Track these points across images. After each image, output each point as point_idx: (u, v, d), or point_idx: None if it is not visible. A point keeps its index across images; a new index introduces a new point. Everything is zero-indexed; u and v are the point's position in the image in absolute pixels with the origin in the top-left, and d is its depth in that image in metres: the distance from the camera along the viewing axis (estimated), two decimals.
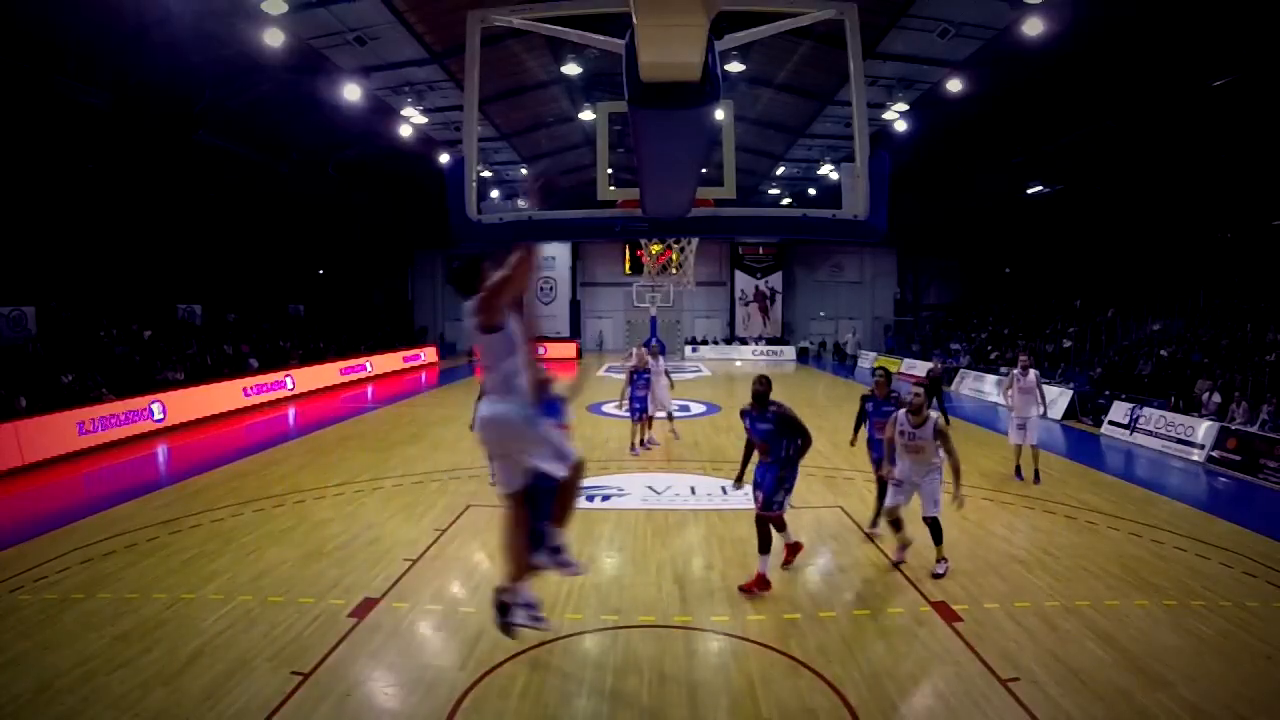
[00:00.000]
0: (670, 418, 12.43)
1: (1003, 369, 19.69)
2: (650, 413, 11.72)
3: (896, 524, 6.55)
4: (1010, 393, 9.71)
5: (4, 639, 5.10)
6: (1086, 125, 17.80)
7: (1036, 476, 9.56)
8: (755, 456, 6.18)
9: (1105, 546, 7.11)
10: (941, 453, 6.30)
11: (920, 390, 6.51)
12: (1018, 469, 9.83)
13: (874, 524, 7.41)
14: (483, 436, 3.88)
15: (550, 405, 4.83)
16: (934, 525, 6.30)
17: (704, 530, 7.59)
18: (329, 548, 7.04)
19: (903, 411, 6.40)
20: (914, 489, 6.43)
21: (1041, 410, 9.77)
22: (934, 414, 6.41)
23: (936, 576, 6.21)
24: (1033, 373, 9.65)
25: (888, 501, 6.60)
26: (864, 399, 7.62)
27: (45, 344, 14.77)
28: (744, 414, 6.16)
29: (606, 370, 25.71)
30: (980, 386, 20.19)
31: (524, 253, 3.57)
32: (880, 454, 7.00)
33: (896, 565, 6.48)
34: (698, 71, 2.64)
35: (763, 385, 5.93)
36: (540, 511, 4.05)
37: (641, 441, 11.57)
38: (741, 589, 5.93)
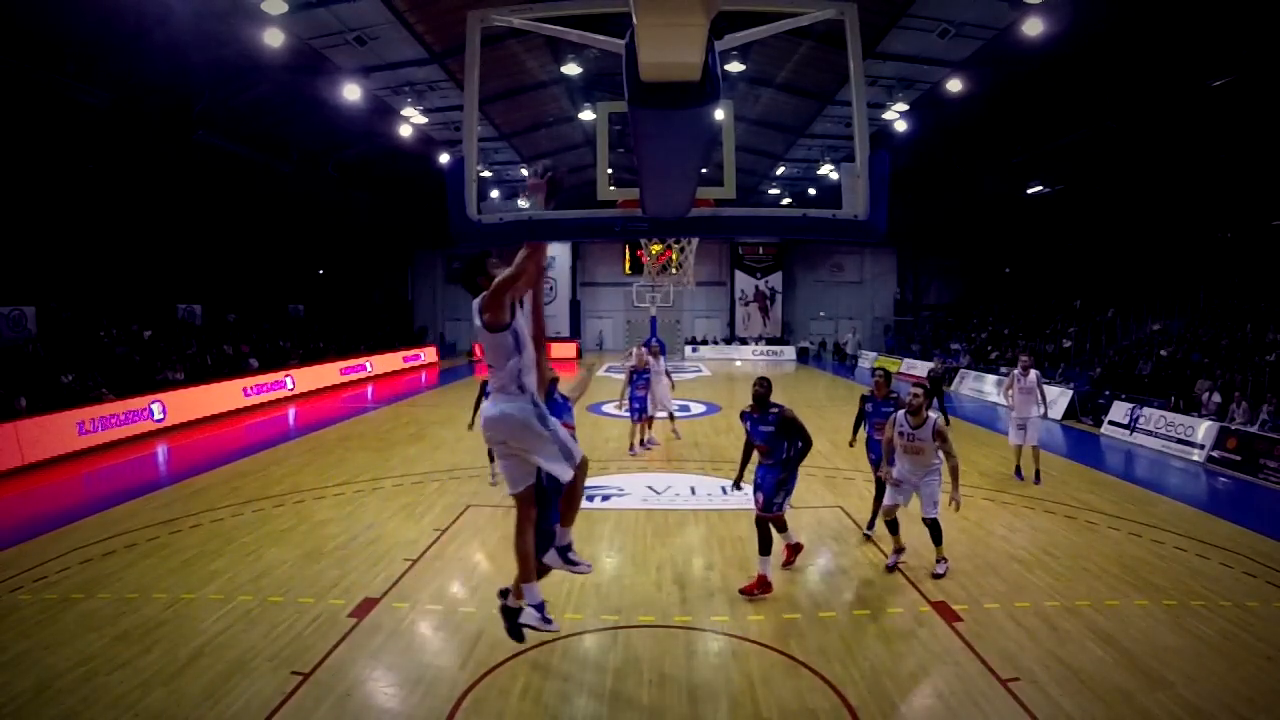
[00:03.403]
0: (671, 417, 12.46)
1: (1003, 369, 19.70)
2: (650, 413, 11.72)
3: (893, 525, 6.51)
4: (1010, 393, 9.75)
5: (4, 639, 5.10)
6: (1086, 125, 17.79)
7: (1037, 477, 9.57)
8: (755, 458, 6.20)
9: (1105, 546, 7.11)
10: (941, 454, 6.30)
11: (919, 391, 6.38)
12: (1018, 469, 9.85)
13: (871, 525, 7.40)
14: (489, 435, 3.83)
15: (557, 405, 4.78)
16: (933, 526, 6.28)
17: (704, 530, 7.59)
18: (329, 548, 7.04)
19: (902, 412, 6.39)
20: (913, 490, 6.42)
21: (1042, 410, 9.77)
22: (933, 415, 6.37)
23: (936, 576, 6.21)
24: (1033, 373, 9.67)
25: (885, 501, 6.56)
26: (863, 399, 7.55)
27: (45, 344, 14.77)
28: (744, 416, 6.19)
29: (606, 370, 25.71)
30: (980, 386, 20.17)
31: (531, 250, 3.56)
32: (879, 454, 6.95)
33: (891, 569, 6.44)
34: (698, 71, 2.64)
35: (763, 387, 5.99)
36: (547, 512, 4.04)
37: (641, 441, 11.58)
38: (742, 591, 5.89)
